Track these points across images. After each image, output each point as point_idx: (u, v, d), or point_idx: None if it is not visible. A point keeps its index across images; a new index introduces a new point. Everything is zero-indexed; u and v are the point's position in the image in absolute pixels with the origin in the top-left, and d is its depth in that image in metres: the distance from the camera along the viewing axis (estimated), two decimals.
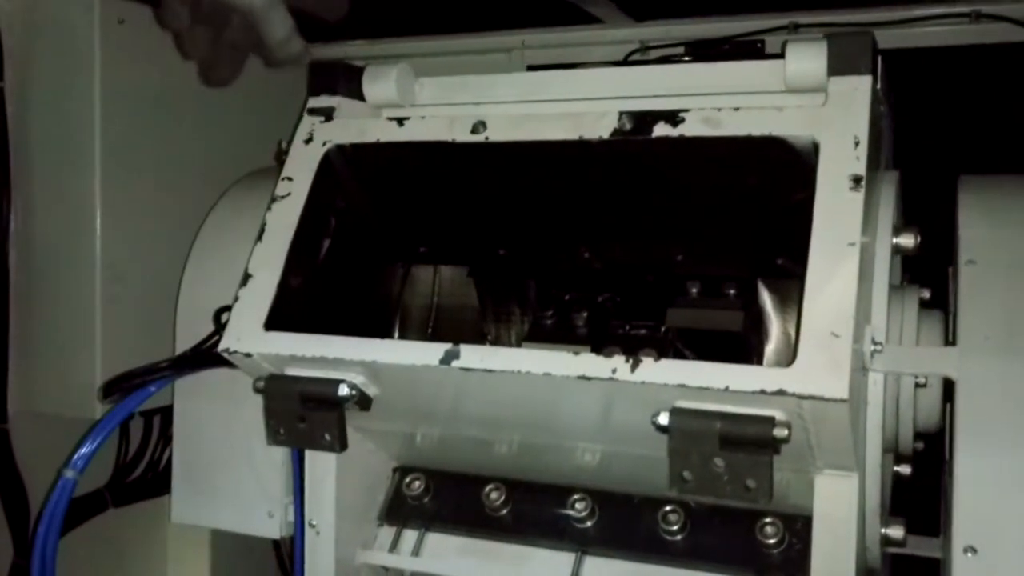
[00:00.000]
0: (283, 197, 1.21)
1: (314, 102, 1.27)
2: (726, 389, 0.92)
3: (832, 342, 0.91)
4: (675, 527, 1.19)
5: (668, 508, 1.20)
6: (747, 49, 1.87)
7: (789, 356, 0.93)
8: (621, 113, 1.11)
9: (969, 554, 1.01)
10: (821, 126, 1.03)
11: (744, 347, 1.24)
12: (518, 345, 1.33)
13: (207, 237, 1.50)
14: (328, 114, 1.25)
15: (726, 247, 1.24)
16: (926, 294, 1.24)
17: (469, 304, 1.44)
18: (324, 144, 1.23)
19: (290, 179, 1.22)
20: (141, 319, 1.67)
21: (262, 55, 1.38)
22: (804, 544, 1.12)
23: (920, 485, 1.28)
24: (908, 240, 1.16)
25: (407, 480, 1.33)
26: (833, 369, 0.90)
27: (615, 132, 1.10)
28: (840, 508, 1.05)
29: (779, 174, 1.08)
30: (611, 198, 1.22)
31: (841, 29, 1.78)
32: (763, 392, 0.91)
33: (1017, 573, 0.99)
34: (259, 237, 1.19)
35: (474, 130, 1.17)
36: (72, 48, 1.60)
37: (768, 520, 1.15)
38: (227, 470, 1.43)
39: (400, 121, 1.22)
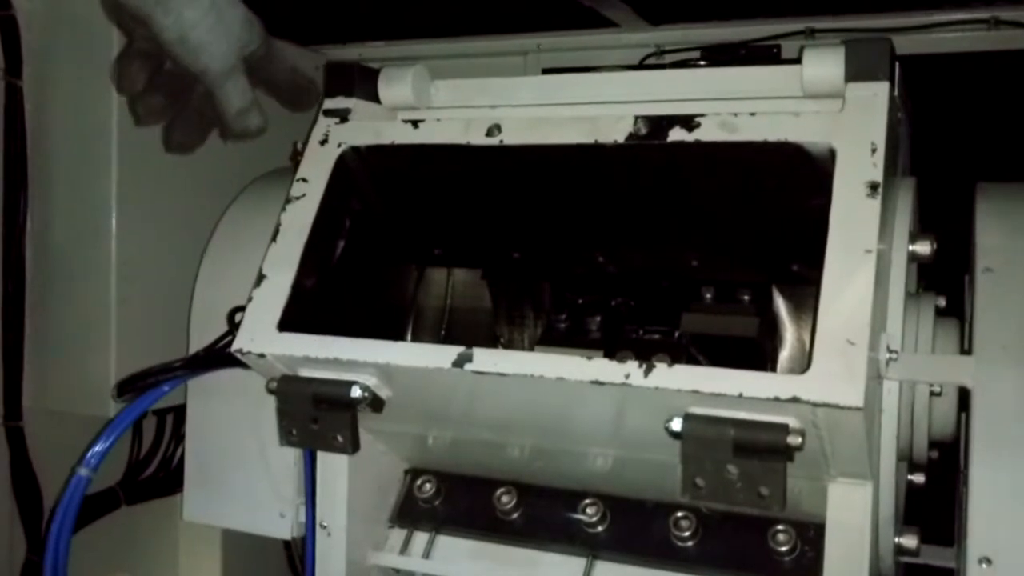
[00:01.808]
0: (298, 198, 1.21)
1: (330, 103, 1.27)
2: (740, 396, 0.92)
3: (848, 349, 0.91)
4: (687, 533, 1.19)
5: (680, 514, 1.19)
6: (763, 54, 1.87)
7: (804, 363, 0.93)
8: (637, 117, 1.10)
9: (984, 565, 1.00)
10: (838, 132, 1.02)
11: (758, 353, 1.24)
12: (531, 348, 1.33)
13: (222, 237, 1.50)
14: (343, 116, 1.25)
15: (741, 253, 1.23)
16: (942, 302, 1.23)
17: (482, 307, 1.44)
18: (339, 146, 1.23)
19: (305, 180, 1.22)
20: (155, 318, 1.67)
21: (218, 124, 1.28)
22: (816, 552, 1.11)
23: (934, 494, 1.27)
24: (924, 247, 1.15)
25: (419, 482, 1.33)
26: (848, 377, 0.89)
27: (630, 136, 1.10)
28: (854, 516, 1.04)
29: (795, 180, 1.07)
30: (626, 202, 1.22)
31: (858, 35, 1.79)
32: (777, 399, 0.90)
33: None
34: (273, 238, 1.19)
35: (489, 133, 1.17)
36: (90, 47, 1.61)
37: (780, 527, 1.15)
38: (239, 470, 1.43)
39: (415, 123, 1.22)
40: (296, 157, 1.26)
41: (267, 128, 1.28)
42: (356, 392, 1.09)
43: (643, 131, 1.10)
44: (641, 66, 1.95)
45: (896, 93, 1.06)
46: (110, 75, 1.27)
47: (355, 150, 1.23)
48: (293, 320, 1.14)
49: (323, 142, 1.24)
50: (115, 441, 1.36)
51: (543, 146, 1.15)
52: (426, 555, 1.30)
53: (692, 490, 0.97)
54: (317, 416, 1.12)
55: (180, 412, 1.58)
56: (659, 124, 1.09)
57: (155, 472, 1.86)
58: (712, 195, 1.17)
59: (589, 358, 0.99)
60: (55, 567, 1.31)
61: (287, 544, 1.80)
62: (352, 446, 1.13)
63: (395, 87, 1.26)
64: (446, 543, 1.31)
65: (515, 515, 1.28)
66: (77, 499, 1.33)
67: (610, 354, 1.15)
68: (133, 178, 1.64)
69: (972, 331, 1.10)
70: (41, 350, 1.67)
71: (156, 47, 1.17)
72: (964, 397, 1.10)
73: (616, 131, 1.11)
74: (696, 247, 1.24)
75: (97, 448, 1.35)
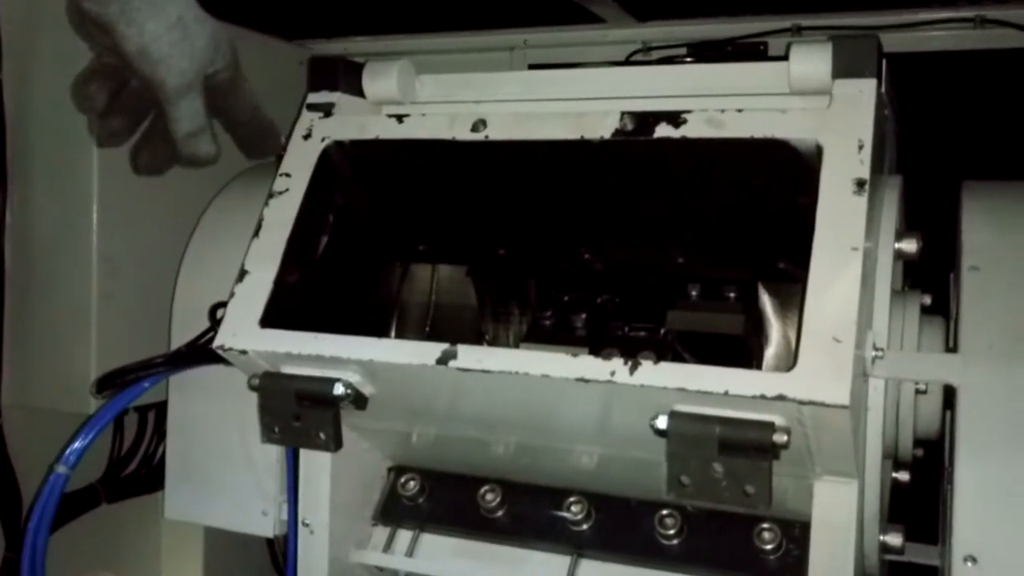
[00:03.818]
0: (281, 193, 1.20)
1: (313, 98, 1.26)
2: (726, 393, 0.91)
3: (834, 347, 0.90)
4: (672, 531, 1.18)
5: (665, 512, 1.19)
6: (750, 51, 1.86)
7: (790, 361, 0.92)
8: (623, 113, 1.10)
9: (969, 563, 1.00)
10: (825, 129, 1.02)
11: (744, 351, 1.23)
12: (516, 346, 1.32)
13: (204, 232, 1.49)
14: (327, 110, 1.24)
15: (727, 249, 1.23)
16: (928, 300, 1.23)
17: (467, 304, 1.43)
18: (323, 140, 1.22)
19: (288, 175, 1.21)
20: (137, 314, 1.65)
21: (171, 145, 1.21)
22: (802, 550, 1.11)
23: (919, 492, 1.27)
24: (910, 245, 1.16)
25: (402, 480, 1.32)
26: (835, 374, 0.89)
27: (617, 132, 1.09)
28: (839, 514, 1.04)
29: (782, 177, 1.07)
30: (612, 199, 1.21)
31: (844, 32, 1.78)
32: (763, 397, 0.90)
33: None
34: (256, 233, 1.18)
35: (474, 128, 1.16)
36: (71, 40, 1.58)
37: (766, 526, 1.15)
38: (221, 467, 1.42)
39: (400, 118, 1.21)
40: (279, 151, 1.25)
41: (219, 157, 1.20)
42: (339, 389, 1.09)
43: (629, 127, 1.09)
44: (628, 63, 1.94)
45: (883, 90, 1.06)
46: (70, 95, 1.20)
47: (339, 145, 1.22)
48: (275, 316, 1.12)
49: (307, 136, 1.23)
50: (94, 438, 1.35)
51: (528, 142, 1.14)
52: (410, 553, 1.29)
53: (677, 488, 0.96)
54: (299, 413, 1.11)
55: (162, 409, 1.56)
56: (645, 120, 1.09)
57: (137, 469, 1.84)
58: (698, 192, 1.16)
59: (574, 355, 0.98)
60: (32, 566, 1.30)
61: (270, 542, 1.79)
62: (335, 443, 1.12)
63: (380, 81, 1.25)
64: (430, 541, 1.30)
65: (499, 513, 1.27)
66: (55, 497, 1.31)
67: (596, 351, 1.14)
68: (114, 173, 1.62)
69: (958, 329, 1.10)
70: (21, 346, 1.65)
71: (119, 60, 1.14)
72: (949, 395, 1.10)
73: (602, 127, 1.10)
74: (682, 244, 1.24)
75: (76, 445, 1.33)
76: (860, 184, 0.97)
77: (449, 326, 1.45)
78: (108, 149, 1.58)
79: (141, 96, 1.19)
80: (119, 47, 1.10)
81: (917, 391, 1.18)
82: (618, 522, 1.23)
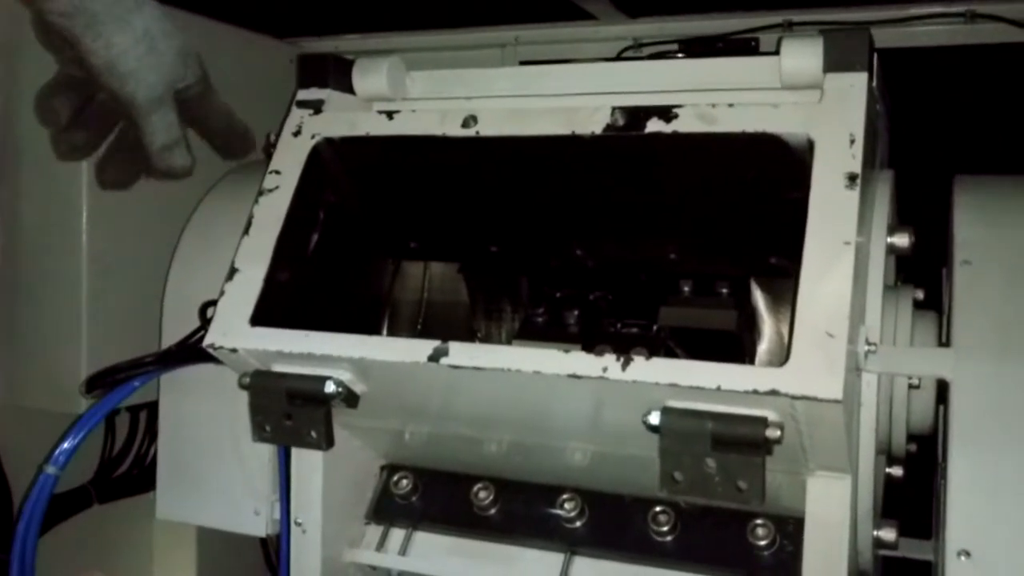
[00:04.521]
0: (271, 190, 1.19)
1: (303, 94, 1.25)
2: (718, 389, 0.91)
3: (827, 342, 0.90)
4: (665, 528, 1.18)
5: (658, 509, 1.19)
6: (741, 47, 1.86)
7: (782, 356, 0.92)
8: (614, 108, 1.09)
9: (963, 558, 1.00)
10: (816, 123, 1.01)
11: (737, 346, 1.23)
12: (508, 343, 1.32)
13: (194, 230, 1.48)
14: (317, 107, 1.23)
15: (719, 245, 1.23)
16: (920, 295, 1.23)
17: (459, 301, 1.43)
18: (313, 137, 1.21)
19: (278, 172, 1.20)
20: (127, 313, 1.65)
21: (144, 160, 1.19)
22: (796, 546, 1.11)
23: (913, 487, 1.27)
24: (902, 240, 1.15)
25: (395, 478, 1.32)
26: (828, 369, 0.89)
27: (608, 127, 1.09)
28: (832, 510, 1.04)
29: (773, 171, 1.06)
30: (604, 195, 1.21)
31: (835, 27, 1.79)
32: (756, 392, 0.90)
33: None
34: (246, 231, 1.17)
35: (465, 124, 1.15)
36: None
37: (759, 521, 1.14)
38: (213, 467, 1.42)
39: (390, 115, 1.20)
40: (269, 149, 1.24)
41: (193, 170, 1.20)
42: (330, 387, 1.08)
43: (620, 122, 1.09)
44: (619, 59, 1.94)
45: (874, 84, 1.06)
46: (34, 107, 1.18)
47: (329, 142, 1.22)
48: (266, 314, 1.12)
49: (296, 133, 1.22)
50: (84, 438, 1.34)
51: (520, 138, 1.13)
52: (403, 552, 1.29)
53: (670, 484, 0.96)
54: (291, 412, 1.10)
55: (154, 408, 1.55)
56: (637, 115, 1.08)
57: (128, 470, 1.83)
58: (690, 187, 1.16)
59: (566, 352, 0.98)
60: (22, 567, 1.29)
61: (263, 541, 1.78)
62: (326, 442, 1.12)
63: (370, 77, 1.24)
64: (423, 540, 1.30)
65: (493, 511, 1.27)
66: (44, 498, 1.31)
67: (588, 348, 1.14)
68: None
69: (950, 324, 1.10)
70: (10, 345, 1.64)
71: (84, 72, 1.11)
72: (942, 390, 1.10)
73: (593, 122, 1.10)
74: (674, 240, 1.23)
75: (65, 446, 1.32)
76: (852, 178, 0.97)
77: (441, 323, 1.44)
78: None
79: (108, 110, 1.17)
80: (85, 61, 1.08)
81: (910, 386, 1.18)
82: (611, 519, 1.22)
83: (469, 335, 1.40)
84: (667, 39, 1.95)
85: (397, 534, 1.30)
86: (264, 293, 1.13)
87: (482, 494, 1.26)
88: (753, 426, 0.92)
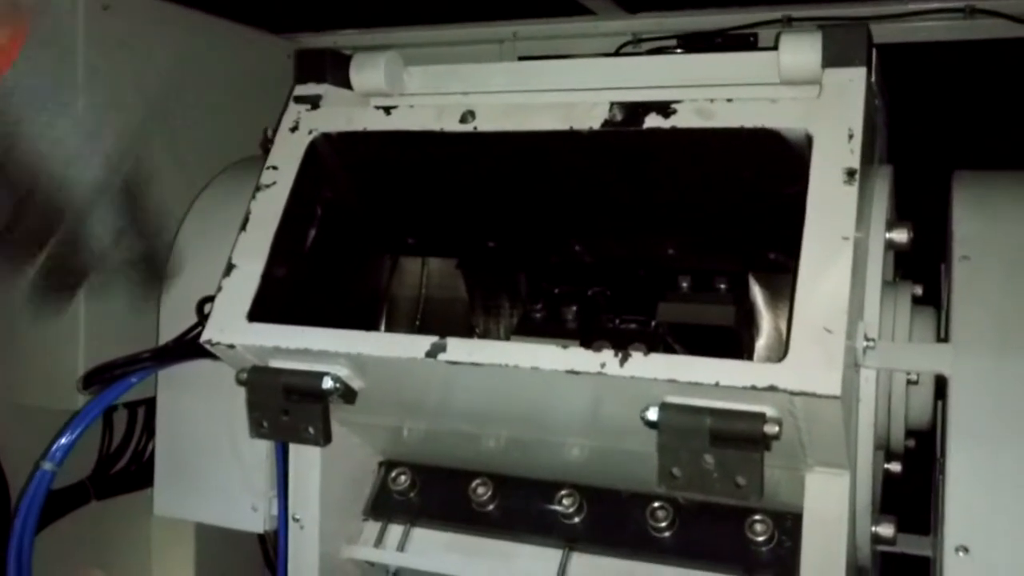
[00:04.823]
0: (268, 186, 1.19)
1: (300, 90, 1.25)
2: (716, 384, 0.91)
3: (825, 337, 0.90)
4: (663, 524, 1.18)
5: (656, 504, 1.19)
6: (740, 42, 1.86)
7: (781, 351, 0.92)
8: (612, 104, 1.09)
9: (961, 553, 0.99)
10: (815, 118, 1.01)
11: (735, 342, 1.23)
12: (507, 338, 1.32)
13: (192, 226, 1.48)
14: (314, 102, 1.23)
15: (718, 241, 1.22)
16: (919, 290, 1.23)
17: (458, 296, 1.43)
18: (310, 132, 1.21)
19: (275, 168, 1.20)
20: (125, 310, 1.64)
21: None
22: (794, 542, 1.11)
23: (911, 483, 1.27)
24: (901, 235, 1.15)
25: (393, 474, 1.32)
26: (826, 365, 0.89)
27: (606, 123, 1.09)
28: (831, 506, 1.04)
29: (772, 167, 1.06)
30: (602, 190, 1.21)
31: (834, 23, 1.78)
32: (754, 388, 0.90)
33: (1009, 573, 0.98)
34: (243, 227, 1.17)
35: (463, 119, 1.15)
36: (56, 34, 1.58)
37: (758, 517, 1.14)
38: (211, 463, 1.41)
39: (388, 110, 1.20)
40: (266, 144, 1.24)
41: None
42: (328, 383, 1.08)
43: (619, 117, 1.09)
44: (617, 54, 1.94)
45: (873, 79, 1.05)
46: None
47: (326, 137, 1.21)
48: (263, 310, 1.12)
49: (293, 129, 1.22)
50: (80, 435, 1.34)
51: (518, 133, 1.13)
52: (401, 548, 1.29)
53: (669, 480, 0.96)
54: (288, 408, 1.10)
55: (152, 405, 1.55)
56: (635, 111, 1.08)
57: (126, 466, 1.83)
58: (688, 183, 1.16)
59: (564, 347, 0.98)
60: (19, 563, 1.29)
61: (262, 537, 1.78)
62: (324, 438, 1.12)
63: (367, 73, 1.24)
64: (421, 536, 1.30)
65: (491, 507, 1.26)
66: (41, 494, 1.30)
67: (586, 344, 1.14)
68: None
69: (949, 319, 1.09)
70: (8, 342, 1.64)
71: (20, 172, 1.08)
72: (941, 385, 1.10)
73: (591, 117, 1.10)
74: (672, 235, 1.23)
75: (62, 442, 1.32)
76: (850, 173, 0.97)
77: (439, 319, 1.44)
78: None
79: (41, 215, 1.13)
80: (19, 161, 1.06)
81: (909, 381, 1.18)
82: (610, 515, 1.22)
83: (467, 331, 1.40)
84: (666, 34, 1.95)
85: (395, 530, 1.30)
86: (261, 289, 1.12)
87: (480, 490, 1.26)
88: (751, 422, 0.91)
